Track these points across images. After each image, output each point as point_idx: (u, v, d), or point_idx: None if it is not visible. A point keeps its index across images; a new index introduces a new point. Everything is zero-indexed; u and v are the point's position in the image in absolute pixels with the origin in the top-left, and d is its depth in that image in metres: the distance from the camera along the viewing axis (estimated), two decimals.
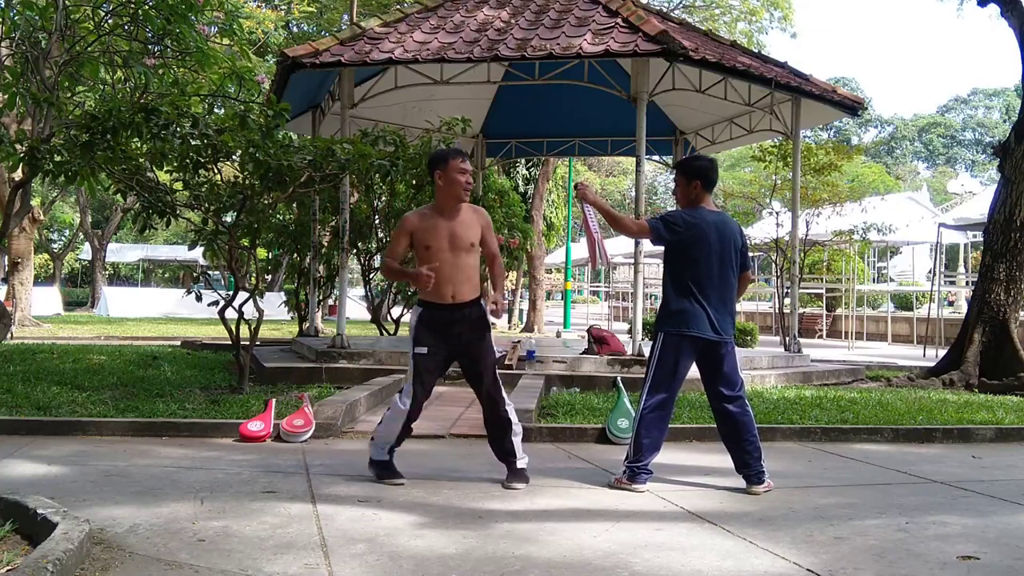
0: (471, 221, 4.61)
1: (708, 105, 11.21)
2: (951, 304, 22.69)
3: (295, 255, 11.86)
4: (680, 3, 24.69)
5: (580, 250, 28.27)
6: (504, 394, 4.66)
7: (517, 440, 4.61)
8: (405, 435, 4.61)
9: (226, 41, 9.87)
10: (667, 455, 4.78)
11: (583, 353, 8.97)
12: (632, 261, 9.48)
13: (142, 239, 36.25)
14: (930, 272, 19.97)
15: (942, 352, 12.09)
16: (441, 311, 4.53)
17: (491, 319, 4.65)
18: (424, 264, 4.50)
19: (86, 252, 35.48)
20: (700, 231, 4.50)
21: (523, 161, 23.28)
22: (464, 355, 4.60)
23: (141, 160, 7.10)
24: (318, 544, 3.37)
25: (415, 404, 4.56)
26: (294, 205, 11.07)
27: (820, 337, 21.58)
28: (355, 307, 19.72)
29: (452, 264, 4.51)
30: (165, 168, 7.09)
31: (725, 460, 5.49)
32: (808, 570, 3.20)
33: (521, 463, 4.57)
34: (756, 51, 12.65)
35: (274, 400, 6.21)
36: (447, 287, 4.51)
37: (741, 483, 4.74)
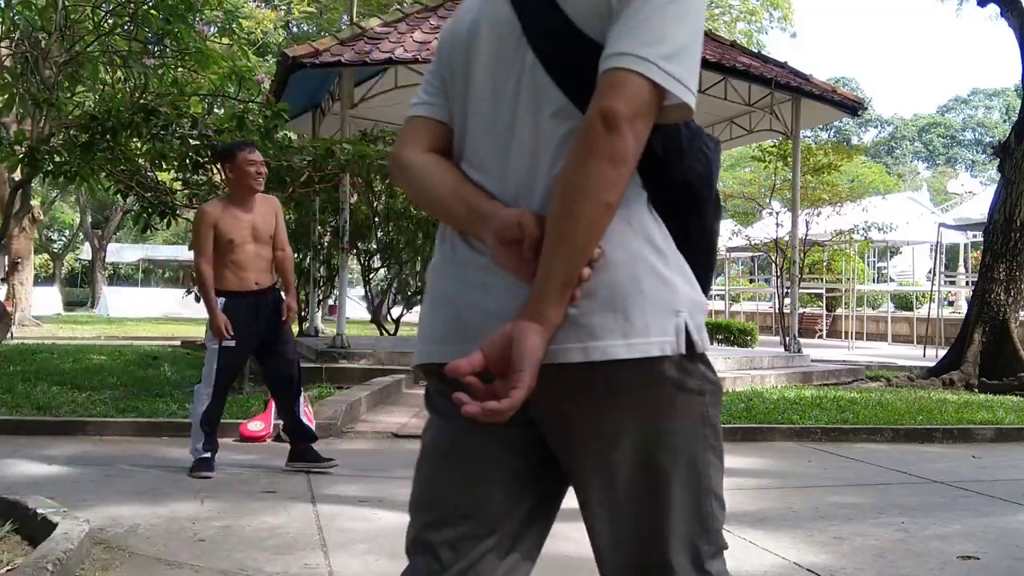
0: (267, 212, 4.74)
1: (708, 105, 11.19)
2: (951, 304, 22.69)
3: (295, 255, 11.85)
4: None
5: None
6: (300, 386, 4.86)
7: (309, 422, 4.86)
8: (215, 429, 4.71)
9: (226, 41, 9.86)
10: None
11: None
12: None
13: (142, 239, 36.22)
14: (930, 272, 19.98)
15: (942, 352, 12.10)
16: (247, 298, 4.62)
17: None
18: (227, 254, 4.57)
19: (86, 252, 35.50)
20: None
21: None
22: (268, 343, 4.70)
23: (141, 161, 7.10)
24: (318, 544, 3.37)
25: (221, 396, 4.68)
26: (294, 205, 11.08)
27: (820, 337, 21.58)
28: (355, 307, 19.72)
29: (254, 255, 4.65)
30: (165, 168, 7.09)
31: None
32: (808, 570, 3.20)
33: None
34: (756, 51, 12.66)
35: (274, 401, 6.20)
36: (250, 274, 4.63)
37: (741, 483, 4.74)
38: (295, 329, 12.81)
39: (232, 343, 4.57)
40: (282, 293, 4.81)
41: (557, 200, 1.16)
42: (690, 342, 1.22)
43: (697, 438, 1.24)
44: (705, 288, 1.31)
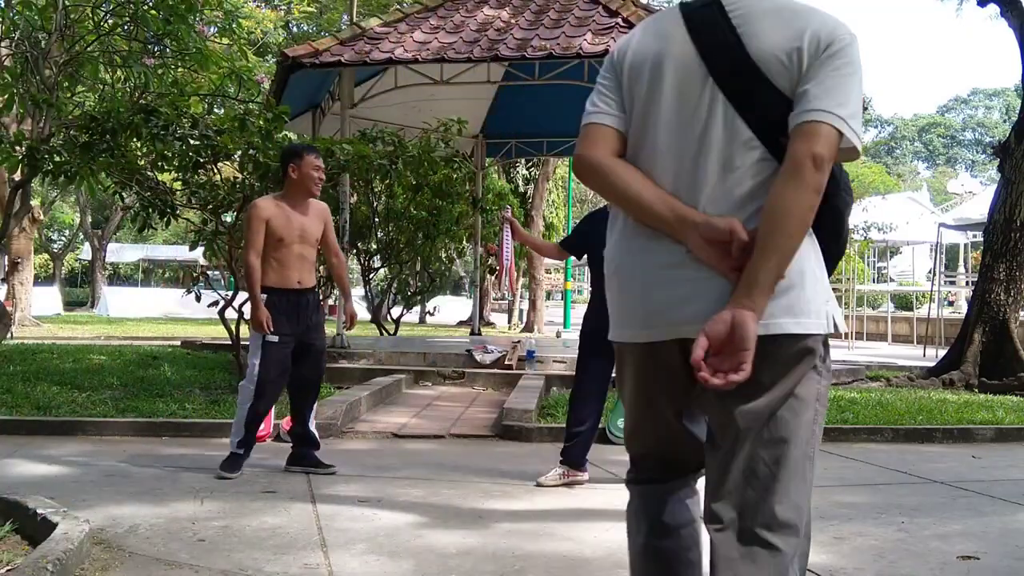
0: (317, 217, 4.78)
1: None
2: (951, 304, 22.69)
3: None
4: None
5: None
6: (318, 393, 4.95)
7: (314, 428, 4.88)
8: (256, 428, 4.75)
9: (225, 41, 9.87)
10: None
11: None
12: None
13: (142, 239, 36.21)
14: (930, 272, 19.98)
15: (942, 352, 12.08)
16: (289, 295, 4.65)
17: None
18: (273, 252, 4.61)
19: (86, 252, 35.47)
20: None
21: (523, 161, 23.29)
22: (303, 343, 4.72)
23: (141, 162, 7.10)
24: (318, 544, 3.37)
25: (265, 394, 4.70)
26: None
27: None
28: (355, 307, 19.71)
29: (299, 255, 4.69)
30: (165, 168, 7.09)
31: None
32: (808, 570, 3.20)
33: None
34: None
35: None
36: (294, 273, 4.66)
37: None
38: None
39: (275, 338, 4.59)
40: (324, 296, 4.88)
41: (770, 218, 1.55)
42: (834, 325, 1.65)
43: (811, 406, 1.67)
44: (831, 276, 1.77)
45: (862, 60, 1.65)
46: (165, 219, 7.26)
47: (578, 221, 5.10)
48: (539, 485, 4.51)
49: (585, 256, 4.96)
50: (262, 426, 5.68)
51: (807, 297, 1.61)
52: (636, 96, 1.72)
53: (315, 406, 4.91)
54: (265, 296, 4.60)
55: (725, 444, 1.67)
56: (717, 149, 1.63)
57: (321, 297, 12.34)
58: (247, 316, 7.42)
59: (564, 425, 5.99)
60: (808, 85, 1.58)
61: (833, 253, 1.72)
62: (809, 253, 1.63)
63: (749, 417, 1.62)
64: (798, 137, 1.56)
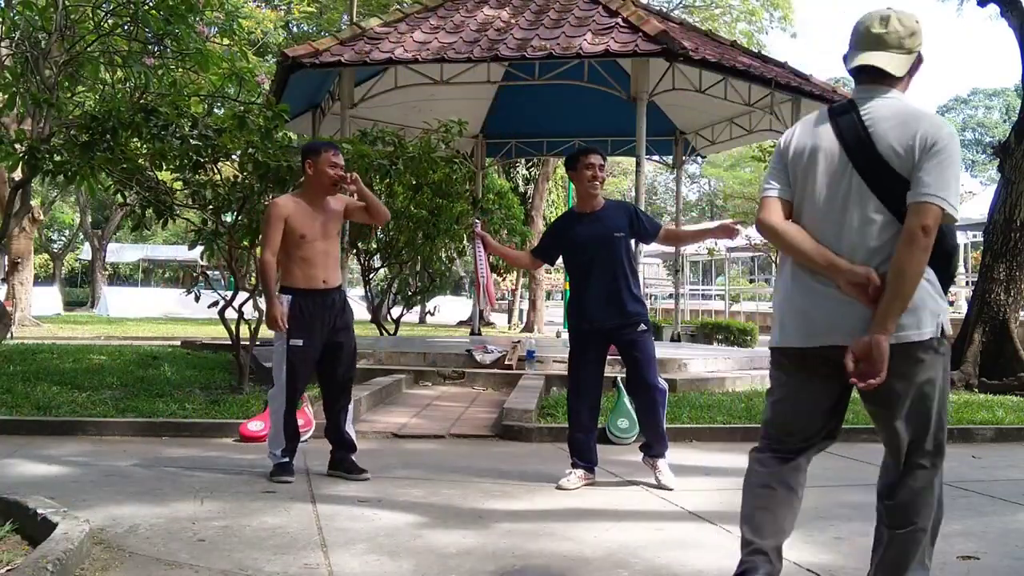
0: (337, 210, 4.71)
1: (708, 105, 11.21)
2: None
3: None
4: (680, 3, 24.69)
5: None
6: (351, 399, 4.83)
7: (351, 431, 4.79)
8: (296, 434, 4.67)
9: (226, 41, 9.86)
10: (667, 455, 4.77)
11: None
12: None
13: (142, 239, 36.26)
14: None
15: None
16: (314, 296, 4.58)
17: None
18: (296, 250, 4.55)
19: (86, 252, 35.47)
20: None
21: (523, 161, 23.29)
22: (331, 344, 4.65)
23: (141, 161, 7.09)
24: (318, 544, 3.37)
25: (292, 399, 4.63)
26: None
27: None
28: (355, 307, 19.71)
29: (323, 253, 4.61)
30: (165, 168, 7.08)
31: (724, 460, 5.48)
32: (808, 570, 3.20)
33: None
34: (756, 51, 12.65)
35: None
36: (319, 272, 4.58)
37: (741, 483, 4.74)
38: None
39: (299, 342, 4.52)
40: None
41: (895, 271, 2.29)
42: (942, 331, 2.39)
43: (939, 380, 2.44)
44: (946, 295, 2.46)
45: (958, 151, 2.34)
46: (162, 219, 7.26)
47: (548, 226, 5.11)
48: (560, 488, 4.50)
49: (560, 260, 4.95)
50: (261, 426, 5.68)
51: (925, 315, 2.36)
52: (798, 175, 2.49)
53: (351, 407, 4.81)
54: (290, 297, 4.54)
55: (889, 411, 2.45)
56: (854, 214, 2.38)
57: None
58: (247, 316, 7.46)
59: (564, 425, 6.00)
60: (920, 173, 2.29)
61: (945, 280, 2.44)
62: (925, 284, 2.34)
63: (901, 391, 2.39)
64: (912, 213, 2.28)
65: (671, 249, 16.98)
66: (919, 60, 2.47)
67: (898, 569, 2.48)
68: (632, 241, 4.76)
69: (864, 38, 2.46)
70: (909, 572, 2.48)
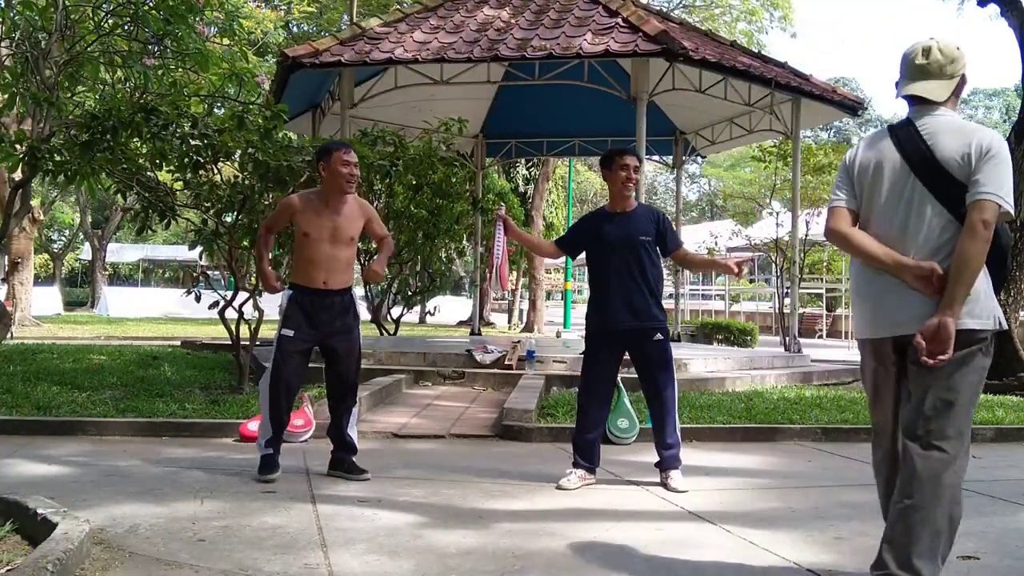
0: (355, 215, 4.71)
1: (708, 105, 11.21)
2: None
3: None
4: (680, 3, 24.69)
5: None
6: (356, 401, 4.83)
7: (354, 434, 4.79)
8: (281, 424, 4.69)
9: (226, 41, 9.86)
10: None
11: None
12: None
13: (142, 239, 36.23)
14: None
15: None
16: (312, 295, 4.61)
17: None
18: (301, 249, 4.62)
19: (86, 252, 35.48)
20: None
21: (523, 161, 23.29)
22: (330, 344, 4.68)
23: (141, 161, 7.09)
24: (318, 544, 3.37)
25: (279, 388, 4.64)
26: None
27: (820, 337, 21.59)
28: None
29: (329, 255, 4.63)
30: (165, 168, 7.08)
31: (724, 460, 5.49)
32: (808, 570, 3.20)
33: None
34: (756, 51, 12.65)
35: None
36: (320, 273, 4.61)
37: (741, 483, 4.74)
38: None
39: (290, 332, 4.58)
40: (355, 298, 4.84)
41: (959, 261, 2.59)
42: (1000, 324, 2.71)
43: (979, 371, 2.74)
44: (998, 293, 2.78)
45: (1009, 157, 2.68)
46: (165, 220, 7.26)
47: (579, 219, 5.11)
48: (560, 488, 4.49)
49: (584, 255, 4.96)
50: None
51: (981, 307, 2.68)
52: (863, 187, 2.85)
53: (355, 410, 4.80)
54: (291, 292, 4.65)
55: (920, 392, 2.71)
56: (918, 217, 2.72)
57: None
58: (247, 316, 7.46)
59: (564, 425, 6.01)
60: (977, 176, 2.62)
61: (999, 277, 2.76)
62: (983, 278, 2.67)
63: (948, 372, 2.65)
64: (973, 209, 2.60)
65: None
66: (963, 81, 2.82)
67: (906, 544, 2.62)
68: (658, 248, 4.76)
69: (910, 68, 2.83)
70: (915, 556, 2.60)
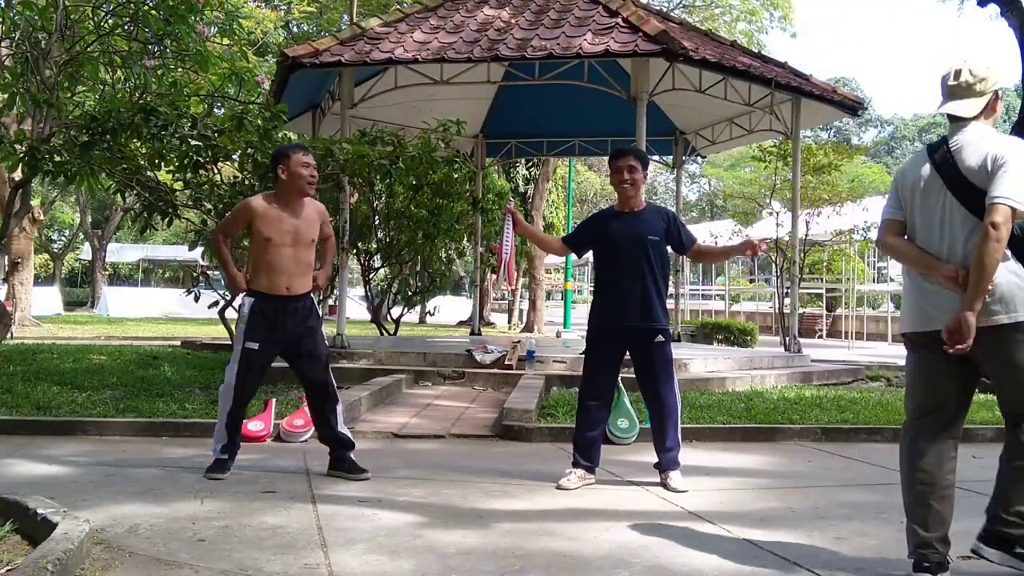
0: (313, 216, 4.71)
1: (708, 105, 11.20)
2: None
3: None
4: (680, 3, 24.69)
5: None
6: (337, 392, 4.82)
7: (345, 430, 4.78)
8: (237, 431, 4.67)
9: (226, 41, 9.86)
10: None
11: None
12: None
13: (142, 239, 36.25)
14: None
15: None
16: (275, 302, 4.58)
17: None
18: (262, 254, 4.57)
19: (86, 252, 35.47)
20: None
21: (523, 161, 23.29)
22: (296, 349, 4.67)
23: (141, 161, 7.10)
24: (318, 544, 3.37)
25: (240, 399, 4.64)
26: None
27: (820, 337, 21.58)
28: (355, 307, 19.73)
29: (292, 259, 4.60)
30: (165, 168, 7.09)
31: (724, 460, 5.49)
32: (808, 570, 3.20)
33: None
34: (756, 51, 12.65)
35: (274, 400, 6.21)
36: (283, 279, 4.57)
37: (741, 483, 4.74)
38: None
39: (255, 345, 4.55)
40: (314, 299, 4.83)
41: (975, 260, 2.89)
42: None
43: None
44: None
45: (1021, 159, 2.95)
46: (166, 220, 7.27)
47: (580, 220, 5.14)
48: (560, 488, 4.49)
49: (590, 255, 4.96)
50: (261, 426, 5.69)
51: (1013, 303, 2.97)
52: (907, 200, 3.22)
53: (339, 407, 4.79)
54: (252, 300, 4.58)
55: (996, 382, 3.15)
56: (950, 224, 3.06)
57: (321, 297, 12.36)
58: None
59: (564, 425, 6.01)
60: (991, 183, 2.93)
61: None
62: (1011, 276, 2.97)
63: (999, 367, 3.08)
64: (986, 213, 2.90)
65: None
66: (995, 97, 3.19)
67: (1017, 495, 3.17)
68: (668, 248, 4.75)
69: (944, 89, 3.20)
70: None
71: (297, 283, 4.62)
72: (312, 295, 4.77)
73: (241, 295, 4.73)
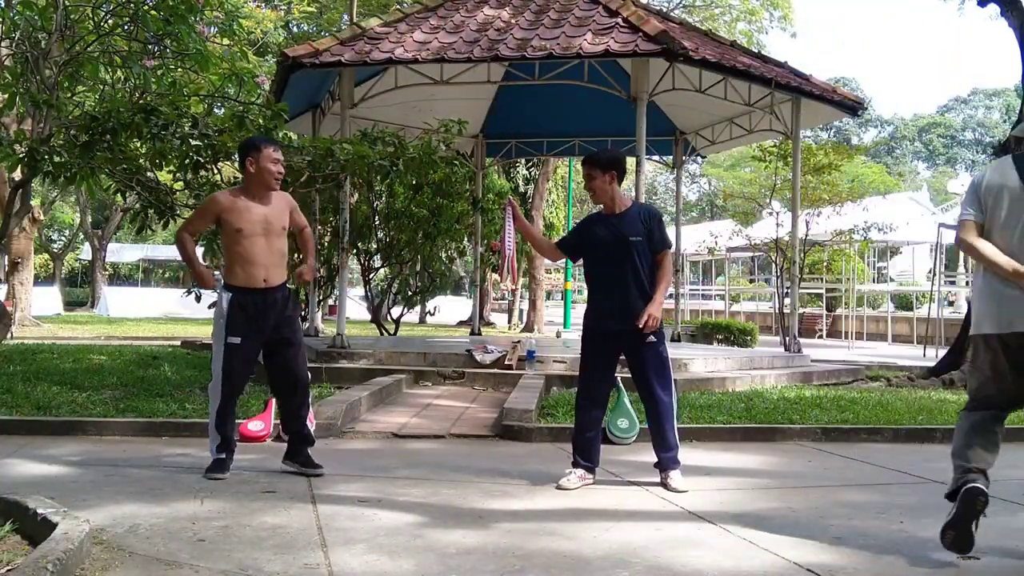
0: (282, 206, 4.71)
1: (708, 105, 11.20)
2: (951, 304, 22.68)
3: (295, 255, 11.87)
4: (680, 3, 24.68)
5: None
6: (308, 387, 4.84)
7: (311, 427, 4.81)
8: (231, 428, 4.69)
9: (226, 41, 9.86)
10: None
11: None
12: None
13: (142, 239, 36.25)
14: (930, 272, 19.97)
15: (942, 352, 12.09)
16: (254, 295, 4.56)
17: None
18: (235, 246, 4.55)
19: (86, 252, 35.49)
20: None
21: (523, 161, 23.29)
22: (277, 340, 4.66)
23: (141, 161, 7.09)
24: (318, 544, 3.37)
25: (229, 395, 4.64)
26: None
27: (820, 337, 21.58)
28: (355, 307, 19.73)
29: (266, 248, 4.58)
30: (165, 168, 7.08)
31: (724, 460, 5.49)
32: (808, 570, 3.20)
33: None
34: (756, 51, 12.64)
35: (274, 400, 6.20)
36: (259, 270, 4.56)
37: (741, 483, 4.74)
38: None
39: (237, 340, 4.54)
40: (296, 289, 4.85)
41: None
42: None
43: None
44: None
45: None
46: (164, 220, 7.26)
47: (580, 220, 5.12)
48: (560, 488, 4.49)
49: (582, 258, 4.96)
50: (261, 426, 5.69)
51: None
52: (988, 205, 3.42)
53: (309, 402, 4.81)
54: (230, 295, 4.56)
55: None
56: None
57: (320, 298, 12.38)
58: None
59: (564, 425, 6.01)
60: None
61: None
62: None
63: None
64: None
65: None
66: None
67: None
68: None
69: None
70: None
71: (273, 274, 4.61)
72: (288, 286, 4.75)
73: (217, 290, 4.71)
